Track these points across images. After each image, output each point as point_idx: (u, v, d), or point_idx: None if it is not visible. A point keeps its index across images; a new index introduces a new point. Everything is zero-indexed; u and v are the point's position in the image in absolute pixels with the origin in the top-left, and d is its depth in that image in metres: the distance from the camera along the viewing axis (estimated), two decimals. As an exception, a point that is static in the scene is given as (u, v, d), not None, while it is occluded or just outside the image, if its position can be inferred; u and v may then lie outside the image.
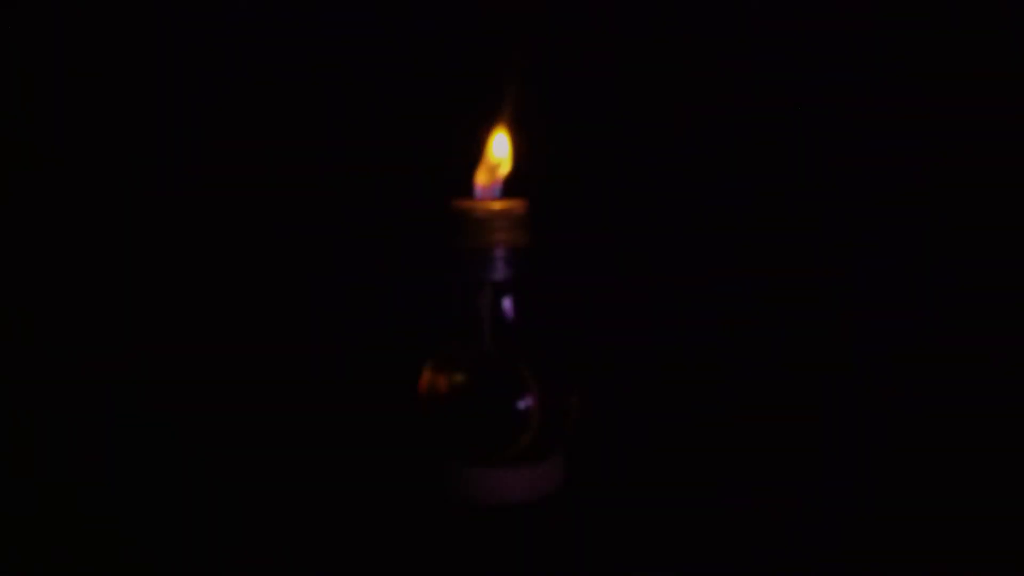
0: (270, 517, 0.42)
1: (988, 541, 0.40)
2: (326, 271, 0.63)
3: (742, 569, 0.38)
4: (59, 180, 0.58)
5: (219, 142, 0.60)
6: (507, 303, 0.39)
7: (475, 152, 0.41)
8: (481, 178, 0.41)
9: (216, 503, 0.44)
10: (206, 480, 0.46)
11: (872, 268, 0.61)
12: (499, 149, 0.41)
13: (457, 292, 0.39)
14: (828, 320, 0.61)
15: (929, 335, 0.59)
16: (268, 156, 0.60)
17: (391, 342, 0.56)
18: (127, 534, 0.41)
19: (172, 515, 0.42)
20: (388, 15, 0.60)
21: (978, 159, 0.59)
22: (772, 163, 0.63)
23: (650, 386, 0.58)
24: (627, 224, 0.64)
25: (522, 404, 0.39)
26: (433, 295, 0.41)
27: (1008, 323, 0.58)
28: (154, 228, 0.60)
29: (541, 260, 0.40)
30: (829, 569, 0.38)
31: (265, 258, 0.61)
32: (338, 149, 0.61)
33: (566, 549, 0.39)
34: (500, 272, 0.39)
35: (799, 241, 0.63)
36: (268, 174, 0.61)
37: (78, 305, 0.59)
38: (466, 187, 0.41)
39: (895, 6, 0.58)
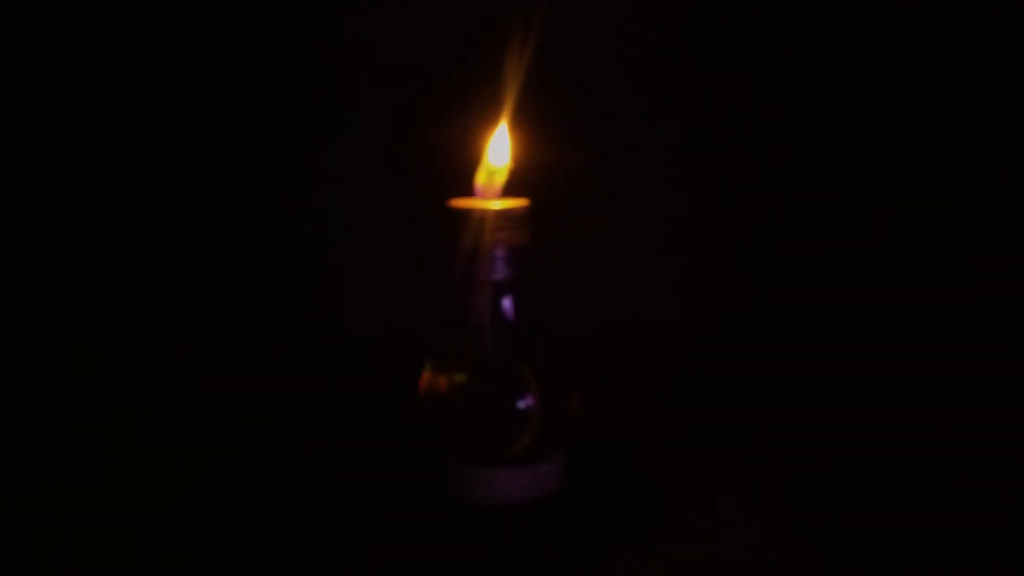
0: (270, 517, 0.42)
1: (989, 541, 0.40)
2: (326, 271, 0.63)
3: (742, 568, 0.38)
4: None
5: (218, 141, 0.60)
6: (507, 303, 0.39)
7: (475, 152, 0.41)
8: (481, 178, 0.41)
9: (216, 503, 0.44)
10: (206, 480, 0.46)
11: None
12: (499, 152, 0.41)
13: (457, 292, 0.39)
14: (829, 322, 0.62)
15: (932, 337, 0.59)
16: (268, 156, 0.61)
17: (391, 342, 0.56)
18: (127, 533, 0.41)
19: (173, 515, 0.42)
20: (388, 15, 0.60)
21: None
22: (774, 162, 0.63)
23: (650, 386, 0.58)
24: (627, 224, 0.64)
25: (522, 404, 0.39)
26: (433, 295, 0.41)
27: None
28: (153, 228, 0.60)
29: (541, 260, 0.40)
30: (828, 569, 0.38)
31: (266, 258, 0.61)
32: (338, 149, 0.61)
33: (566, 549, 0.39)
34: (500, 272, 0.39)
35: (804, 243, 0.63)
36: (269, 174, 0.61)
37: (74, 305, 0.59)
38: (466, 187, 0.41)
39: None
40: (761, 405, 0.55)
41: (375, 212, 0.62)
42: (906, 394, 0.55)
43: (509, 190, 0.41)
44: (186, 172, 0.60)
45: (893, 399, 0.55)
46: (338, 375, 0.59)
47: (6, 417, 0.52)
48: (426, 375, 0.41)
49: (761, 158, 0.63)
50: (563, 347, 0.41)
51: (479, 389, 0.40)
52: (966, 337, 0.59)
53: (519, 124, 0.42)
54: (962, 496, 0.44)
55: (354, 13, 0.59)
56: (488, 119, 0.41)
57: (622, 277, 0.64)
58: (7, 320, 0.57)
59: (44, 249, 0.58)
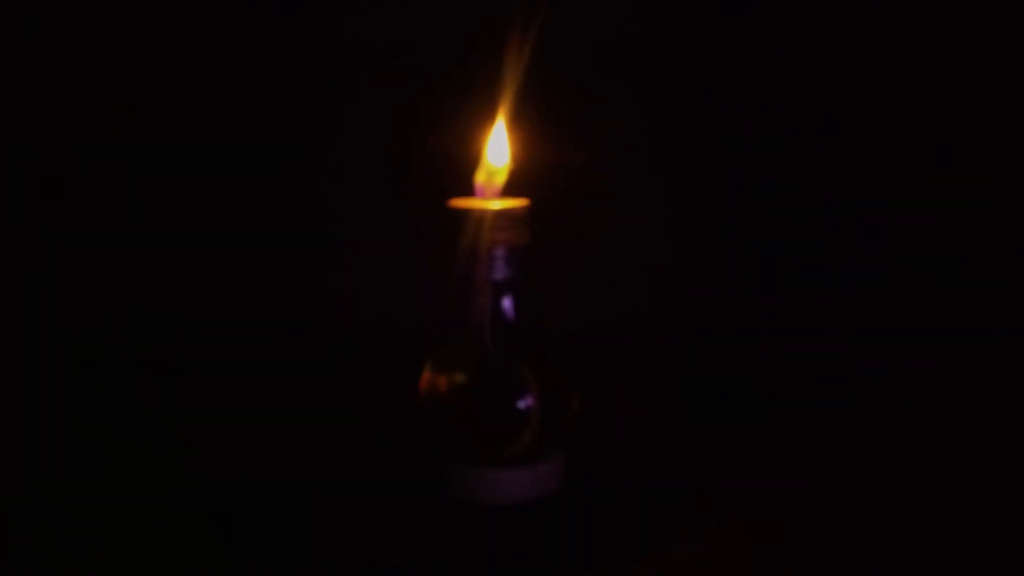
0: (271, 517, 0.42)
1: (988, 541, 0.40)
2: (326, 271, 0.63)
3: (742, 568, 0.38)
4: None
5: (218, 142, 0.60)
6: (507, 303, 0.39)
7: (475, 152, 0.41)
8: (481, 178, 0.41)
9: (216, 503, 0.44)
10: (205, 479, 0.46)
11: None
12: (498, 152, 0.41)
13: (457, 292, 0.39)
14: (829, 322, 0.62)
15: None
16: (268, 156, 0.61)
17: (391, 342, 0.56)
18: (127, 533, 0.41)
19: (172, 514, 0.42)
20: (388, 15, 0.60)
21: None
22: (775, 162, 0.62)
23: (650, 386, 0.58)
24: (627, 223, 0.64)
25: (522, 404, 0.39)
26: (433, 295, 0.41)
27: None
28: (153, 228, 0.60)
29: (541, 260, 0.40)
30: (826, 568, 0.38)
31: (266, 258, 0.61)
32: (338, 149, 0.61)
33: (566, 549, 0.39)
34: (500, 272, 0.39)
35: (802, 241, 0.63)
36: (269, 174, 0.61)
37: (74, 305, 0.59)
38: (466, 187, 0.41)
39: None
40: (761, 405, 0.55)
41: (375, 212, 0.61)
42: (906, 394, 0.55)
43: (509, 190, 0.41)
44: (186, 172, 0.60)
45: (894, 399, 0.55)
46: (338, 375, 0.59)
47: (6, 417, 0.52)
48: (426, 375, 0.41)
49: (762, 158, 0.63)
50: (563, 347, 0.41)
51: (479, 389, 0.40)
52: (966, 337, 0.59)
53: (519, 124, 0.42)
54: (963, 496, 0.44)
55: (354, 13, 0.59)
56: (488, 119, 0.41)
57: (622, 277, 0.64)
58: (7, 320, 0.57)
59: (44, 249, 0.58)
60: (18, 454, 0.49)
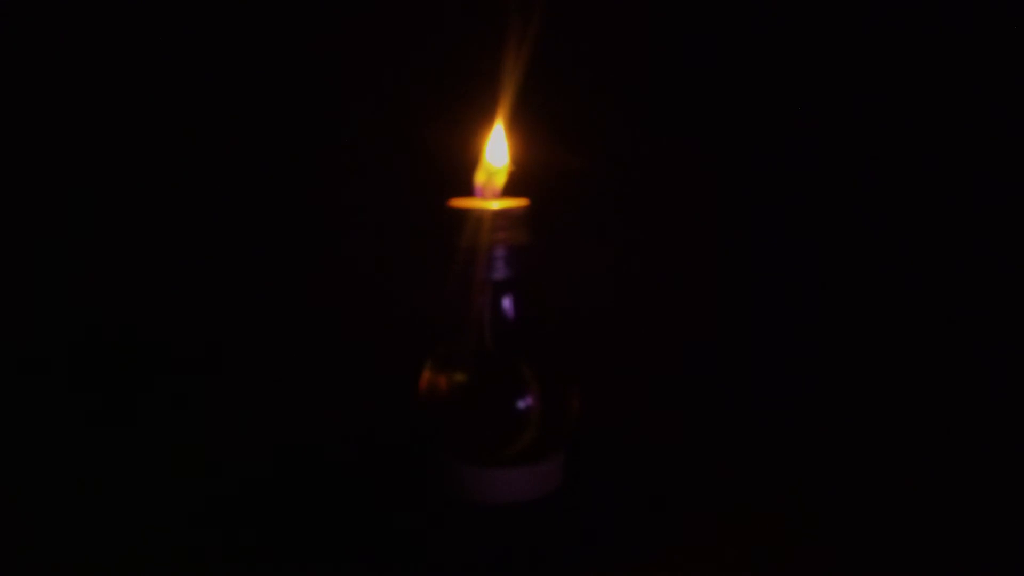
0: (270, 516, 0.42)
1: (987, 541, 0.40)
2: (327, 271, 0.63)
3: (741, 567, 0.38)
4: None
5: (219, 142, 0.60)
6: (507, 303, 0.39)
7: (475, 152, 0.41)
8: (481, 178, 0.41)
9: (216, 502, 0.44)
10: (206, 479, 0.46)
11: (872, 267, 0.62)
12: (497, 153, 0.41)
13: (457, 292, 0.39)
14: (830, 322, 0.62)
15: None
16: (268, 156, 0.61)
17: (391, 342, 0.56)
18: (128, 532, 0.41)
19: (173, 514, 0.42)
20: (389, 15, 0.60)
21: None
22: (775, 162, 0.63)
23: (650, 386, 0.58)
24: (627, 223, 0.64)
25: (522, 404, 0.39)
26: (433, 295, 0.41)
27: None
28: (152, 229, 0.60)
29: (541, 260, 0.40)
30: (827, 568, 0.38)
31: (266, 258, 0.61)
32: (338, 149, 0.61)
33: (566, 549, 0.39)
34: (500, 272, 0.39)
35: (801, 241, 0.63)
36: (269, 174, 0.61)
37: (74, 305, 0.59)
38: (466, 187, 0.41)
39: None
40: (761, 405, 0.55)
41: (375, 212, 0.62)
42: (907, 394, 0.55)
43: (509, 190, 0.41)
44: (186, 173, 0.60)
45: (894, 399, 0.55)
46: (338, 375, 0.59)
47: (6, 417, 0.52)
48: (426, 375, 0.41)
49: (760, 158, 0.63)
50: (563, 347, 0.41)
51: (479, 389, 0.40)
52: (966, 337, 0.59)
53: (519, 125, 0.42)
54: (966, 496, 0.44)
55: (354, 13, 0.59)
56: (488, 120, 0.41)
57: (622, 276, 0.64)
58: (7, 320, 0.57)
59: (43, 249, 0.58)
60: (18, 454, 0.49)
